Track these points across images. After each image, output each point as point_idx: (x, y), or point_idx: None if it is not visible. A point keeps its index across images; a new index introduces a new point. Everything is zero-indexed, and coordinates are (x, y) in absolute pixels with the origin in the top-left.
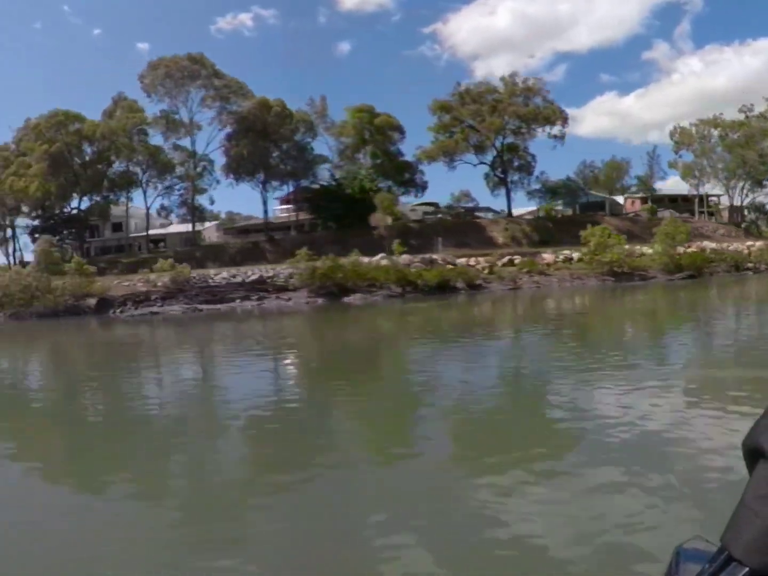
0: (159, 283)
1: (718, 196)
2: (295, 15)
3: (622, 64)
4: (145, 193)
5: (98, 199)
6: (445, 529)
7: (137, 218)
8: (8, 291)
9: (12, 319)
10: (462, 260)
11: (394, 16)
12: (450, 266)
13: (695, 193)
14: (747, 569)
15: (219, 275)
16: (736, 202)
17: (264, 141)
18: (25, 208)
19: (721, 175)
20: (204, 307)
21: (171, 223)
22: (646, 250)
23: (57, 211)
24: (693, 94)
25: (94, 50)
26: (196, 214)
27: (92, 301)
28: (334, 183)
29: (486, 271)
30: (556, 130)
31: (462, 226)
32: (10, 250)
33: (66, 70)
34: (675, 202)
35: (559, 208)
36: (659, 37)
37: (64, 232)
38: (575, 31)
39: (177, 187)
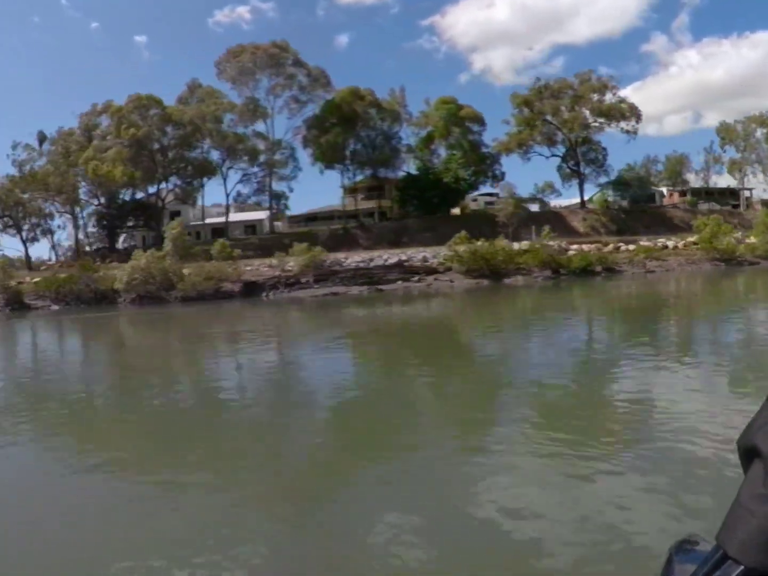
0: (289, 267)
1: (751, 189)
2: (294, 8)
3: (620, 56)
4: (225, 179)
5: (180, 184)
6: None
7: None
8: (148, 274)
9: (151, 304)
10: (574, 247)
11: (392, 9)
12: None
13: (738, 186)
14: (742, 567)
15: (349, 259)
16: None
17: (353, 129)
18: (83, 196)
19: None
20: (366, 288)
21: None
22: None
23: (125, 198)
24: (691, 87)
25: (92, 43)
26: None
27: (230, 285)
28: (424, 171)
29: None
30: (630, 125)
31: (544, 215)
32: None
33: (65, 64)
34: (711, 195)
35: (610, 199)
36: (657, 30)
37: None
38: (574, 23)
39: (256, 173)
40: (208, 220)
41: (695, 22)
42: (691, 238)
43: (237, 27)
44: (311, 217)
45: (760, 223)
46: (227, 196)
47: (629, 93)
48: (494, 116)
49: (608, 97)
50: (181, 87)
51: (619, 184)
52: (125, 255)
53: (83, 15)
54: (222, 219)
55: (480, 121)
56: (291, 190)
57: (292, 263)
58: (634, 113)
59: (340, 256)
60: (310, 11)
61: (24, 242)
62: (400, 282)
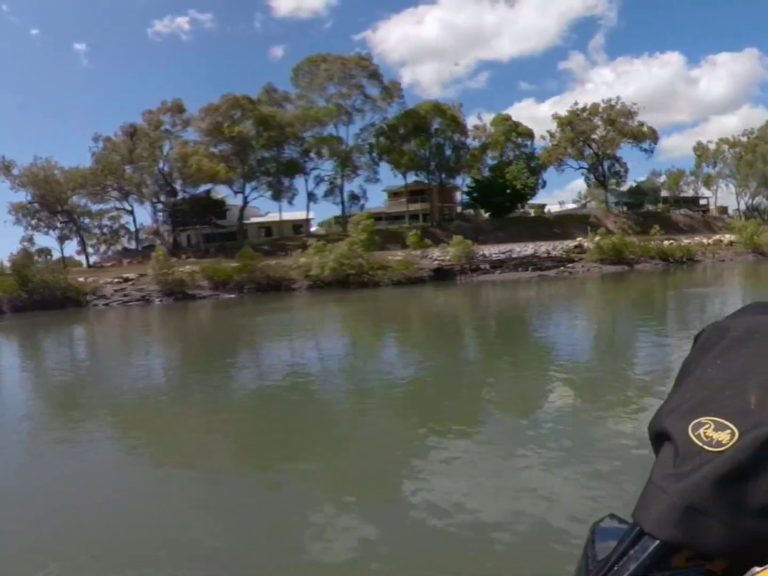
0: (447, 258)
1: (707, 198)
2: (232, 20)
3: (540, 73)
4: (306, 180)
5: (270, 182)
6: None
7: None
8: (347, 262)
9: (328, 290)
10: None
11: (326, 23)
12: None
13: (703, 195)
14: (657, 541)
15: (491, 251)
16: (741, 206)
17: (429, 139)
18: (145, 190)
19: (733, 182)
20: (530, 273)
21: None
22: None
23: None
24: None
25: (32, 50)
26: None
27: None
28: (494, 178)
29: None
30: (648, 145)
31: (583, 218)
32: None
33: (3, 69)
34: (679, 203)
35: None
36: (575, 49)
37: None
38: (498, 41)
39: (331, 175)
40: (253, 219)
41: (610, 42)
42: (730, 236)
43: (176, 37)
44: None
45: None
46: (308, 195)
47: (548, 107)
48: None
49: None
50: (120, 94)
51: (638, 194)
52: (192, 250)
53: (23, 21)
54: (264, 219)
55: (531, 136)
56: (364, 191)
57: (451, 253)
58: (653, 135)
59: (483, 249)
60: (247, 23)
61: (59, 240)
62: (554, 269)
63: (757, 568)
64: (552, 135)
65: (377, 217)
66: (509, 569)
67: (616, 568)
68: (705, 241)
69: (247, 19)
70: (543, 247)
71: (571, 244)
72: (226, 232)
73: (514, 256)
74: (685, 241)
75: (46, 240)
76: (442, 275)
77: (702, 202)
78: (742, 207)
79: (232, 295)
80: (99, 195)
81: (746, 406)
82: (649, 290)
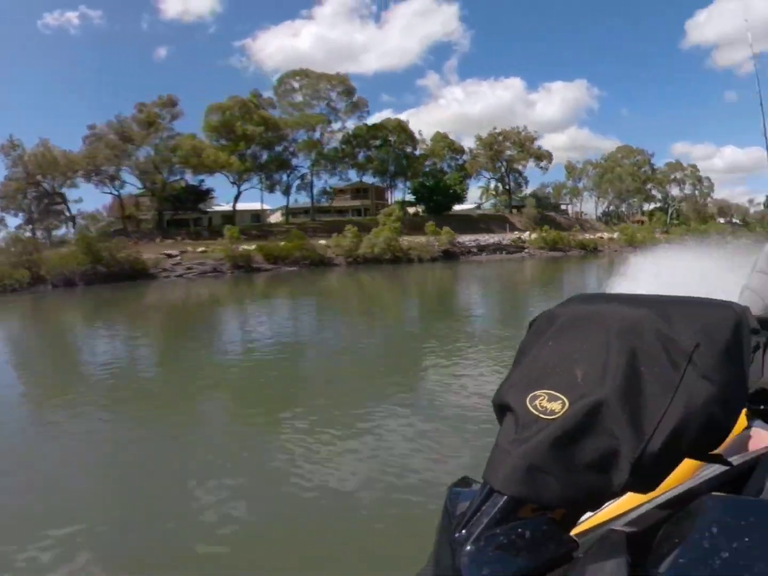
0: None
1: (567, 204)
2: (120, 18)
3: (400, 87)
4: (288, 175)
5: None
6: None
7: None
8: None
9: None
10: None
11: (210, 28)
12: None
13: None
14: (506, 497)
15: (463, 239)
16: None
17: (390, 148)
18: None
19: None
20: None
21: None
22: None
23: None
24: (454, 117)
25: None
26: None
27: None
28: (437, 182)
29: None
30: (544, 164)
31: (497, 217)
32: None
33: None
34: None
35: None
36: (432, 69)
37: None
38: (366, 56)
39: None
40: (216, 208)
41: (462, 65)
42: (608, 234)
43: (65, 31)
44: (306, 210)
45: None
46: (286, 188)
47: (405, 117)
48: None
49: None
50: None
51: (536, 198)
52: (185, 232)
53: None
54: (227, 207)
55: (462, 152)
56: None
57: (435, 240)
58: (549, 156)
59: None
60: (135, 22)
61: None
62: (515, 253)
63: (589, 513)
64: (472, 152)
65: (326, 210)
66: (382, 527)
67: (472, 521)
68: (592, 236)
69: (135, 17)
70: (495, 238)
71: (511, 236)
72: (196, 218)
73: (483, 243)
74: (588, 236)
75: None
76: (449, 256)
77: (562, 207)
78: (599, 212)
79: (294, 268)
80: (92, 178)
81: (574, 380)
82: (588, 264)
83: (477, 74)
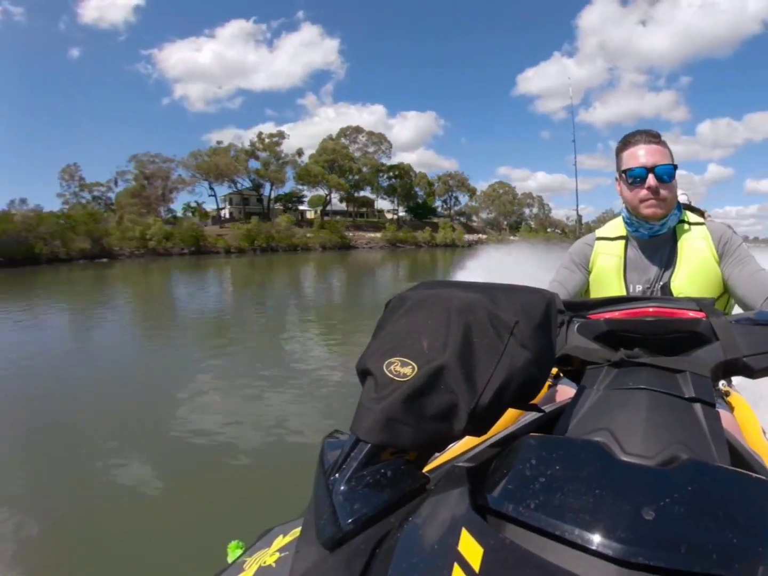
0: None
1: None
2: (40, 17)
3: (282, 104)
4: None
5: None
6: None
7: None
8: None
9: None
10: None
11: (121, 36)
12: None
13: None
14: (369, 445)
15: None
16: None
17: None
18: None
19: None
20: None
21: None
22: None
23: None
24: (326, 134)
25: None
26: None
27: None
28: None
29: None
30: (467, 192)
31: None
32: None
33: None
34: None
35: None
36: (311, 91)
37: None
38: (256, 75)
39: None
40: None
41: (336, 90)
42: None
43: None
44: (335, 212)
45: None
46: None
47: (284, 129)
48: (189, 137)
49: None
50: None
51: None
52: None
53: None
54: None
55: (432, 185)
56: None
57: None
58: (473, 189)
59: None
60: (53, 22)
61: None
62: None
63: (437, 454)
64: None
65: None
66: (268, 476)
67: (343, 467)
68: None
69: (54, 18)
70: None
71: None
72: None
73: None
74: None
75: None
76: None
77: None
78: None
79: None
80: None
81: (421, 349)
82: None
83: (348, 99)
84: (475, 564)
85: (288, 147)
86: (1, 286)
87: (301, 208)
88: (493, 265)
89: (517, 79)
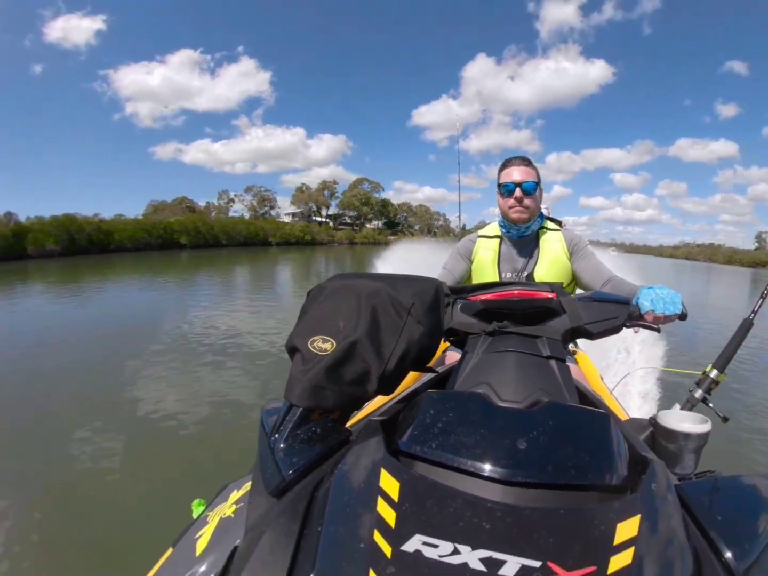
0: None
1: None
2: (7, 33)
3: (219, 124)
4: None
5: None
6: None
7: None
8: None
9: None
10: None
11: (81, 56)
12: None
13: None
14: (301, 408)
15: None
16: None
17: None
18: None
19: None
20: None
21: None
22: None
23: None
24: (254, 149)
25: None
26: None
27: None
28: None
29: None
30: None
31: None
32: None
33: None
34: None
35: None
36: (244, 114)
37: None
38: (199, 98)
39: None
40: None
41: (266, 114)
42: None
43: None
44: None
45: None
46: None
47: (219, 146)
48: (135, 148)
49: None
50: None
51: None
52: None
53: None
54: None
55: (391, 206)
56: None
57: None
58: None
59: None
60: (18, 39)
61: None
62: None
63: (356, 411)
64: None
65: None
66: (217, 442)
67: (280, 428)
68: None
69: (20, 35)
70: None
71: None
72: None
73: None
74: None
75: None
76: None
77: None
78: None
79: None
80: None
81: (338, 328)
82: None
83: (275, 122)
84: (394, 495)
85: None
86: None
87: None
88: (409, 254)
89: (413, 113)
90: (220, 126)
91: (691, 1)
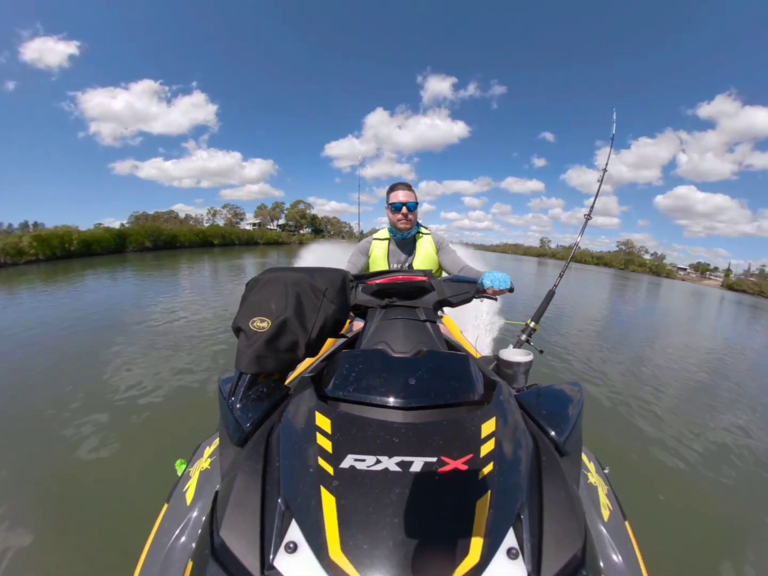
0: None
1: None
2: None
3: (170, 145)
4: None
5: None
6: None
7: None
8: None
9: None
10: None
11: (53, 77)
12: None
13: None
14: (249, 374)
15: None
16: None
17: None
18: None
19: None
20: None
21: None
22: None
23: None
24: (199, 168)
25: None
26: None
27: None
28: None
29: None
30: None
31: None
32: None
33: None
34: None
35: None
36: (192, 138)
37: None
38: (155, 122)
39: None
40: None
41: (211, 139)
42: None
43: None
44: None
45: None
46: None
47: (171, 164)
48: (97, 163)
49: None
50: None
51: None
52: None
53: None
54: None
55: (315, 218)
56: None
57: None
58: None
59: None
60: None
61: None
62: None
63: (291, 372)
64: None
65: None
66: (182, 412)
67: (235, 392)
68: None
69: None
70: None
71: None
72: None
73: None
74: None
75: None
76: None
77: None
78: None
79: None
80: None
81: (272, 311)
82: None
83: (218, 146)
84: (328, 429)
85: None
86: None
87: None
88: (328, 251)
89: (325, 146)
90: (171, 147)
91: (522, 92)
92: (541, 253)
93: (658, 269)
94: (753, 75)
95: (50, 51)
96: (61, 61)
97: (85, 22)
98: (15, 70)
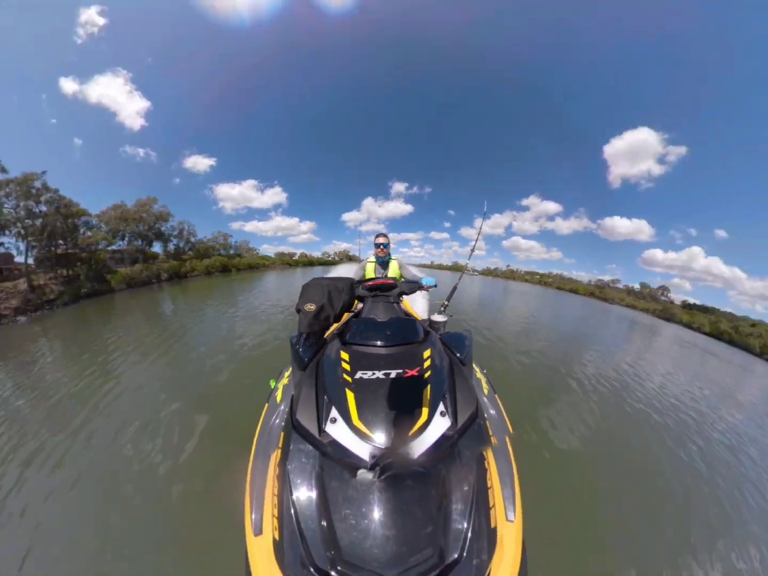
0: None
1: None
2: (166, 163)
3: (262, 214)
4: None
5: None
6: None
7: None
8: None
9: None
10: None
11: (200, 176)
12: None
13: None
14: (305, 333)
15: None
16: None
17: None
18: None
19: None
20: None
21: None
22: None
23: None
24: (275, 226)
25: None
26: None
27: None
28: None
29: None
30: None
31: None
32: None
33: None
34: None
35: None
36: (273, 210)
37: None
38: (254, 202)
39: None
40: None
41: (285, 209)
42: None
43: None
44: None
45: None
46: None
47: (261, 224)
48: (222, 225)
49: None
50: None
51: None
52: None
53: None
54: None
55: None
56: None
57: None
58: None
59: None
60: (175, 162)
61: None
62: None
63: (327, 331)
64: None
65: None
66: (268, 361)
67: (299, 341)
68: None
69: (176, 160)
70: None
71: None
72: None
73: None
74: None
75: None
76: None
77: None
78: None
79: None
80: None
81: (315, 299)
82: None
83: (287, 214)
84: (347, 359)
85: None
86: None
87: None
88: (346, 269)
89: (342, 215)
90: (262, 215)
91: (439, 191)
92: (454, 268)
93: (506, 275)
94: (547, 184)
95: (200, 163)
96: (205, 168)
97: (218, 148)
98: (180, 173)
